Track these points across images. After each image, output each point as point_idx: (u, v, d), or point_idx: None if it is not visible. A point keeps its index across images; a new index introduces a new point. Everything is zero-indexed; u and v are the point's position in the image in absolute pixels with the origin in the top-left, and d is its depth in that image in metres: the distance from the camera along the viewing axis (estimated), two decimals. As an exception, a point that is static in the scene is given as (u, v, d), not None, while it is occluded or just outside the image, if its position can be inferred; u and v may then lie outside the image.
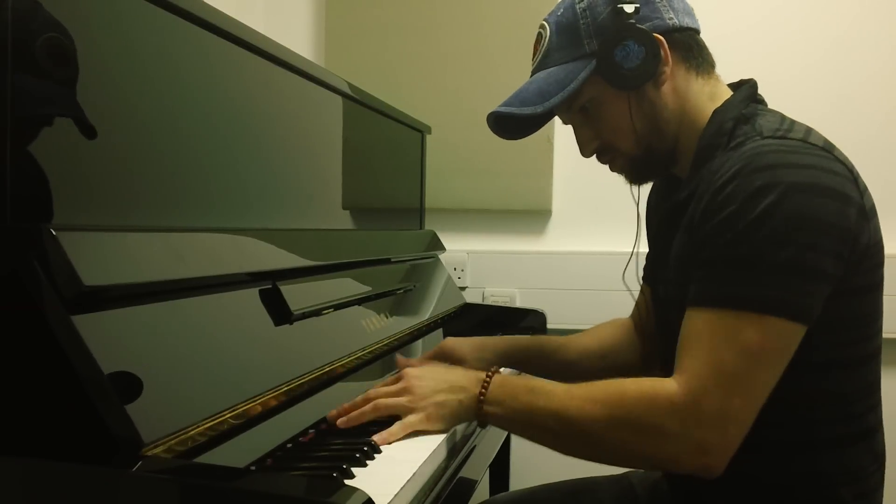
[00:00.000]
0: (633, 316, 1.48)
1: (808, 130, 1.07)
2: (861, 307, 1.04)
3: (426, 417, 1.08)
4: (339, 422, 1.09)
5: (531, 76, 1.20)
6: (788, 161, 1.00)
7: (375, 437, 1.03)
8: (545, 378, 1.50)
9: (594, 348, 1.46)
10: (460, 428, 1.16)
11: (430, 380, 1.12)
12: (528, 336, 1.54)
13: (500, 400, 1.08)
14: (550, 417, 1.04)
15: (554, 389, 1.06)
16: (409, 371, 1.15)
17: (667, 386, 1.00)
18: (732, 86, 1.20)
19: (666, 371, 1.26)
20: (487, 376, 1.10)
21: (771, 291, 0.97)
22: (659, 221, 1.28)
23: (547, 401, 1.05)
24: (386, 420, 1.09)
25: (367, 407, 1.09)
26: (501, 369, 1.13)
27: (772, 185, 0.98)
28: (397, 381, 1.14)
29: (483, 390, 1.08)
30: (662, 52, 1.11)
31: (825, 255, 0.98)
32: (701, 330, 1.00)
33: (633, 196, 1.27)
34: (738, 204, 0.99)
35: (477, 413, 1.09)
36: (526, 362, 1.47)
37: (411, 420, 1.07)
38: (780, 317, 0.97)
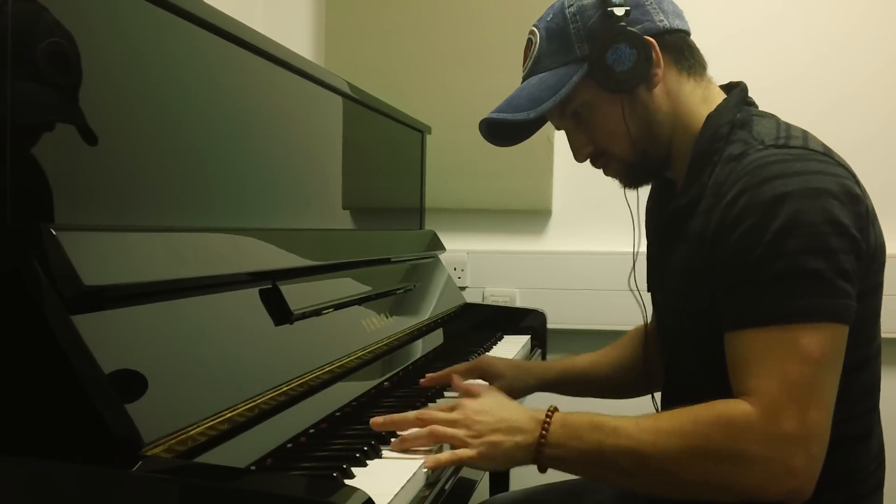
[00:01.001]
0: (647, 324, 1.48)
1: (806, 136, 1.07)
2: (863, 311, 1.04)
3: (478, 455, 1.02)
4: (392, 446, 1.04)
5: (522, 82, 1.20)
6: (794, 169, 1.00)
7: (428, 461, 0.99)
8: (580, 396, 1.50)
9: (624, 360, 1.47)
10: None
11: (489, 416, 1.05)
12: (559, 359, 1.54)
13: (562, 442, 1.02)
14: (622, 456, 0.99)
15: (620, 424, 1.01)
16: (467, 402, 1.09)
17: (741, 408, 0.96)
18: (723, 88, 1.20)
19: (669, 373, 1.26)
20: (547, 416, 1.03)
21: (817, 299, 0.96)
22: (655, 227, 1.28)
23: (615, 438, 0.99)
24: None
25: (424, 431, 1.04)
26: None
27: (785, 194, 0.98)
28: (453, 408, 1.08)
29: (544, 432, 1.02)
30: (654, 55, 1.11)
31: (851, 254, 0.99)
32: (757, 349, 0.98)
33: (627, 201, 1.26)
34: (756, 217, 0.99)
35: (536, 456, 1.02)
36: (563, 385, 1.48)
37: (463, 454, 1.02)
38: (832, 322, 0.97)
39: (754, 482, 0.96)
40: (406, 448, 1.04)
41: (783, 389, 0.95)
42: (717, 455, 0.97)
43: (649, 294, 1.38)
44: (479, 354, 1.58)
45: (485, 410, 1.07)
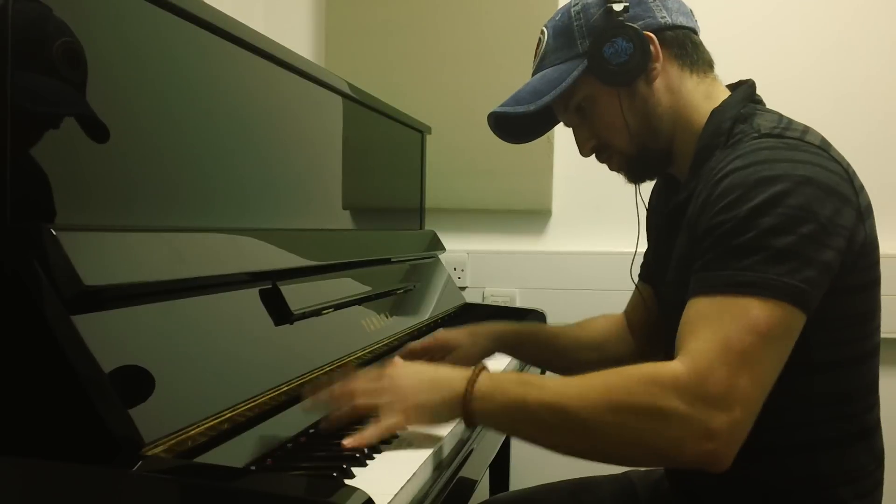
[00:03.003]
0: (626, 313, 1.48)
1: (805, 129, 1.08)
2: (857, 305, 1.05)
3: (405, 420, 1.02)
4: (321, 427, 1.05)
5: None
6: (786, 157, 1.01)
7: (346, 441, 0.98)
8: (538, 366, 1.51)
9: (587, 339, 1.47)
10: (459, 427, 1.15)
11: (411, 378, 1.06)
12: (523, 323, 1.53)
13: (488, 394, 1.01)
14: (544, 409, 0.98)
15: (547, 380, 1.02)
16: (390, 370, 1.08)
17: (670, 366, 0.96)
18: (731, 87, 1.21)
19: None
20: (475, 371, 1.04)
21: (775, 277, 0.96)
22: (659, 223, 1.29)
23: (540, 391, 0.99)
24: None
25: (345, 410, 1.04)
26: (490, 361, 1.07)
27: (771, 177, 0.99)
28: (379, 377, 1.08)
29: (470, 386, 1.02)
30: (653, 49, 1.13)
31: (824, 247, 0.98)
32: (704, 313, 0.98)
33: (635, 198, 1.28)
34: (738, 194, 0.99)
35: (463, 409, 1.02)
36: (519, 348, 1.47)
37: (388, 423, 1.02)
38: (785, 301, 0.96)
39: (671, 440, 0.94)
40: (333, 426, 1.04)
41: (719, 352, 0.94)
42: (636, 408, 0.95)
43: (637, 287, 1.40)
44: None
45: (408, 374, 1.07)
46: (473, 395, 1.02)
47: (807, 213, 0.97)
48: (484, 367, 1.06)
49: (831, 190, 1.00)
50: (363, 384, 1.07)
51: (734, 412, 0.94)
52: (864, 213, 1.04)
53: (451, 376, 1.05)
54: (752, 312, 0.95)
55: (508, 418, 1.02)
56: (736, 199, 0.99)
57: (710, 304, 0.98)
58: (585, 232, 2.33)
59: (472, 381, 1.02)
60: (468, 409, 1.02)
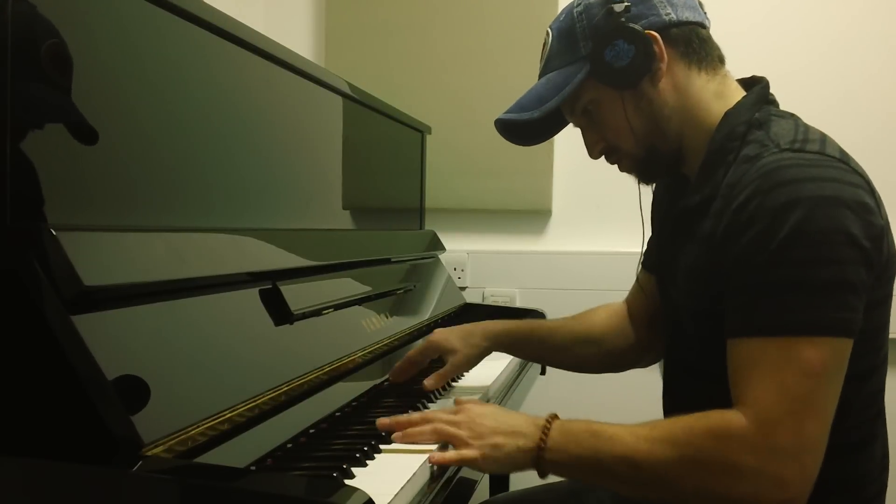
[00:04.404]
0: (627, 301, 1.47)
1: (824, 140, 1.05)
2: (872, 320, 1.03)
3: (481, 456, 1.04)
4: (394, 436, 1.08)
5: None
6: (809, 175, 0.98)
7: (433, 457, 1.01)
8: (536, 362, 1.49)
9: (585, 334, 1.46)
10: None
11: (491, 419, 1.07)
12: (518, 320, 1.52)
13: (561, 447, 1.03)
14: (618, 463, 1.00)
15: (618, 432, 1.02)
16: (470, 406, 1.11)
17: (736, 420, 0.96)
18: (743, 83, 1.18)
19: (670, 366, 1.26)
20: (547, 422, 1.05)
21: (821, 312, 0.95)
22: (663, 218, 1.28)
23: (612, 445, 1.00)
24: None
25: (427, 428, 1.07)
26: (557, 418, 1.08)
27: (796, 200, 0.96)
28: (457, 411, 1.11)
29: (543, 436, 1.04)
30: (656, 48, 1.10)
31: (860, 266, 0.97)
32: (756, 358, 0.97)
33: (639, 198, 1.26)
34: (765, 223, 0.97)
35: (536, 461, 1.04)
36: (515, 345, 1.47)
37: (466, 454, 1.04)
38: (834, 336, 0.96)
39: (746, 493, 0.96)
40: (408, 440, 1.07)
41: (780, 401, 0.94)
42: (709, 465, 0.97)
43: (638, 277, 1.40)
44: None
45: (486, 414, 1.08)
46: (546, 447, 1.04)
47: (839, 235, 0.96)
48: (555, 416, 1.07)
49: (856, 204, 0.97)
50: (444, 415, 1.10)
51: (805, 460, 0.95)
52: (886, 228, 1.03)
53: (526, 424, 1.06)
54: (805, 354, 0.95)
55: (581, 471, 1.05)
56: (764, 228, 0.97)
57: (760, 347, 0.97)
58: (585, 232, 2.33)
59: (545, 432, 1.04)
60: (541, 460, 1.04)
